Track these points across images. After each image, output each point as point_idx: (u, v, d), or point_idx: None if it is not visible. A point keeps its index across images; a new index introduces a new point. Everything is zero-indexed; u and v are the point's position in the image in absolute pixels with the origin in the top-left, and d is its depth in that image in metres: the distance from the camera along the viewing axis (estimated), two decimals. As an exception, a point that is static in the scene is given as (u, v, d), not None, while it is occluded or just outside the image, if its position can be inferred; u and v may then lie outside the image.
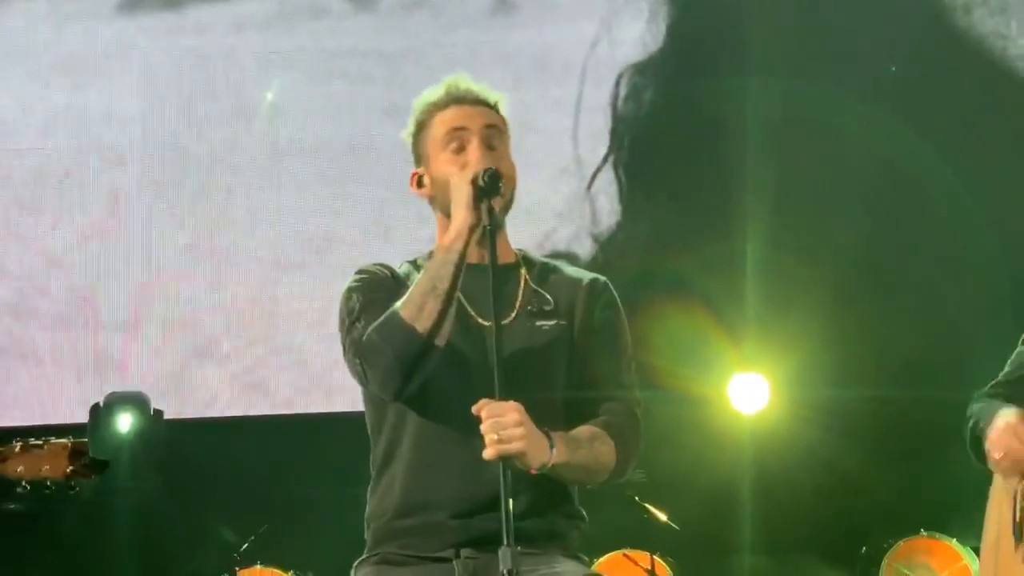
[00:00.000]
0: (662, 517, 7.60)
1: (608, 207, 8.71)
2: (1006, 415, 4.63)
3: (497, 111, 4.14)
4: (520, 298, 4.10)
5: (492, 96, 4.15)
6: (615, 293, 4.19)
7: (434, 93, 4.13)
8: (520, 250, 4.22)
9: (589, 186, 8.76)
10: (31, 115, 9.07)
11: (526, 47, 8.93)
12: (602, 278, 4.20)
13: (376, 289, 4.06)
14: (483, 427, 3.68)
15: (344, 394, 8.22)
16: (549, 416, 3.93)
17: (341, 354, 4.26)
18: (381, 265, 4.16)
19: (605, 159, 8.78)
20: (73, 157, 9.04)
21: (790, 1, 8.97)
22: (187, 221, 9.00)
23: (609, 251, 8.63)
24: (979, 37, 8.84)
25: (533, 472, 3.77)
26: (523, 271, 4.17)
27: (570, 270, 4.23)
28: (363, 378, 4.00)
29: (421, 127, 4.13)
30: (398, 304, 3.88)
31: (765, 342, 8.60)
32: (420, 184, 4.13)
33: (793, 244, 8.60)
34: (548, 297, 4.12)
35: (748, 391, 8.57)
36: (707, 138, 8.78)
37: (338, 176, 9.01)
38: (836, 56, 8.83)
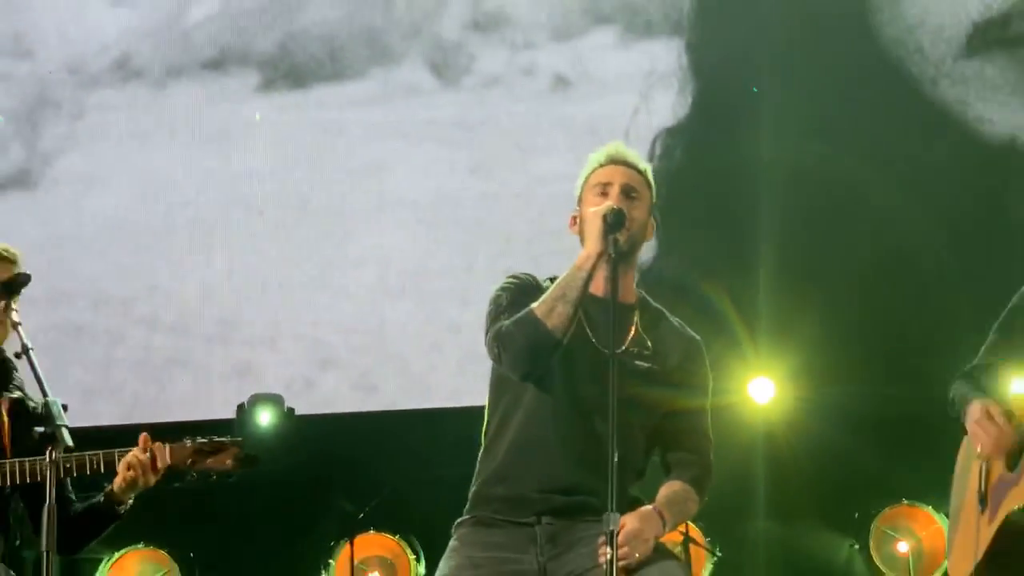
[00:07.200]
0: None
1: (647, 243, 9.01)
2: (972, 412, 4.90)
3: (641, 175, 4.39)
4: (629, 336, 4.31)
5: (641, 164, 4.42)
6: (705, 352, 4.46)
7: (599, 155, 4.41)
8: (640, 292, 4.45)
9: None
10: (189, 175, 9.44)
11: (580, 116, 9.20)
12: (698, 338, 4.46)
13: (521, 292, 4.32)
14: (622, 538, 3.94)
15: (439, 392, 8.99)
16: (632, 437, 4.21)
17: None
18: (528, 274, 4.43)
19: (646, 206, 9.02)
20: (221, 208, 9.43)
21: (799, 74, 9.15)
22: (311, 259, 9.33)
23: (648, 279, 7.56)
24: (943, 103, 9.12)
25: None
26: (637, 315, 4.37)
27: (674, 321, 4.46)
28: (498, 359, 4.24)
29: (584, 179, 4.43)
30: (534, 304, 4.16)
31: (775, 349, 8.84)
32: (574, 223, 4.40)
33: (800, 270, 8.93)
34: (651, 342, 4.32)
35: (761, 390, 8.84)
36: (727, 185, 9.09)
37: (432, 221, 9.27)
38: (836, 118, 9.12)
